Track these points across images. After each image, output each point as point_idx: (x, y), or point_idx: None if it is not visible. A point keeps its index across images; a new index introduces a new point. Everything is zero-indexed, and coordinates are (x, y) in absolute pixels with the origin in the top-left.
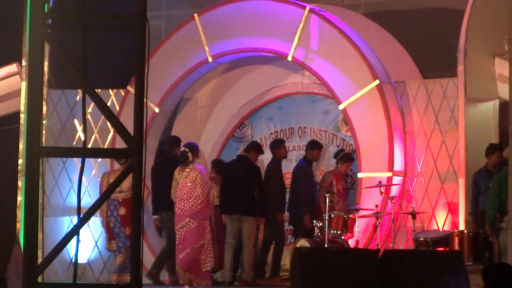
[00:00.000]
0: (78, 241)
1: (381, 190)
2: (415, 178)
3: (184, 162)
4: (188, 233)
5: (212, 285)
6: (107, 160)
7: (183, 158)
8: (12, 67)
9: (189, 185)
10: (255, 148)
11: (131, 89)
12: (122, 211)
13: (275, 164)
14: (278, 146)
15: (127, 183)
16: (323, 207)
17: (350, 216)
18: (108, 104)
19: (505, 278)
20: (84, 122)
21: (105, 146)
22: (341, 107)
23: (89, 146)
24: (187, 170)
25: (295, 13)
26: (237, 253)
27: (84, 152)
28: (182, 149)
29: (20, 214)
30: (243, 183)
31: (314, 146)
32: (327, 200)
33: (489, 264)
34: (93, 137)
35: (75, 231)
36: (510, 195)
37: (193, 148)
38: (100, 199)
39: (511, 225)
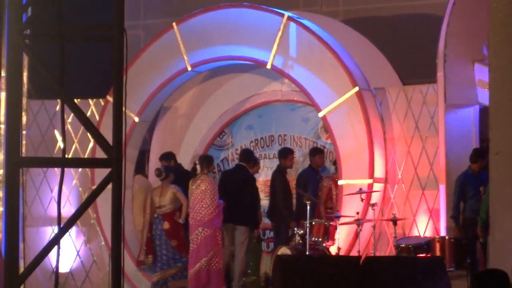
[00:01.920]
0: (59, 250)
1: (362, 197)
2: (396, 185)
3: (193, 174)
4: (202, 242)
5: None
6: (88, 170)
7: (193, 170)
8: None
9: (200, 196)
10: (254, 158)
11: (110, 98)
12: (166, 225)
13: (279, 173)
14: (284, 156)
15: (167, 198)
16: (323, 214)
17: (331, 223)
18: (88, 113)
19: (499, 285)
20: (63, 131)
21: (86, 156)
22: (320, 114)
23: (70, 156)
24: (198, 181)
25: (274, 21)
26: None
27: (63, 162)
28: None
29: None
30: (238, 192)
31: (315, 152)
32: (308, 206)
33: (482, 271)
34: (73, 147)
35: (55, 241)
36: (491, 201)
37: (203, 160)
38: (80, 209)
39: (492, 231)
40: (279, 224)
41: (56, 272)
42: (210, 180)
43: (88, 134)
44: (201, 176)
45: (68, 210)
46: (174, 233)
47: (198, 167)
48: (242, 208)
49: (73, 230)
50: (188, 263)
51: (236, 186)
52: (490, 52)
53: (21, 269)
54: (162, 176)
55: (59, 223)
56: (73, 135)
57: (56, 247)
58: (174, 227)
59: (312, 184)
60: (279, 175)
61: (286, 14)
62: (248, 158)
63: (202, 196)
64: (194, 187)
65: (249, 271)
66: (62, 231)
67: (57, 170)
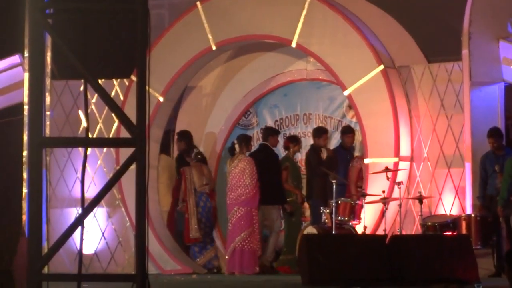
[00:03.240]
0: (82, 231)
1: (388, 175)
2: (422, 163)
3: (231, 153)
4: (237, 220)
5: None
6: (113, 151)
7: (231, 150)
8: (15, 58)
9: (238, 175)
10: (271, 133)
11: (135, 78)
12: (213, 203)
13: (314, 151)
14: (318, 135)
15: (208, 177)
16: (354, 193)
17: (357, 202)
18: (112, 94)
19: None
20: (86, 111)
21: (110, 136)
22: (346, 93)
23: (94, 136)
24: (235, 161)
25: None
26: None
27: (86, 142)
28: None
29: (26, 206)
30: (263, 172)
31: (343, 132)
32: (333, 185)
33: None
34: (97, 127)
35: (79, 222)
36: None
37: (241, 140)
38: (104, 190)
39: None
40: (314, 203)
41: (80, 253)
42: (248, 159)
43: (112, 114)
44: (239, 156)
45: (93, 191)
46: (215, 211)
47: (236, 146)
48: (268, 187)
49: (98, 211)
50: (226, 244)
51: (260, 165)
52: None
53: (45, 250)
54: (199, 157)
55: (82, 204)
56: (97, 115)
57: (80, 228)
58: (215, 205)
59: (342, 163)
60: (313, 154)
61: None
62: (265, 135)
63: (240, 176)
64: (232, 166)
65: (285, 249)
66: (86, 211)
67: (82, 151)
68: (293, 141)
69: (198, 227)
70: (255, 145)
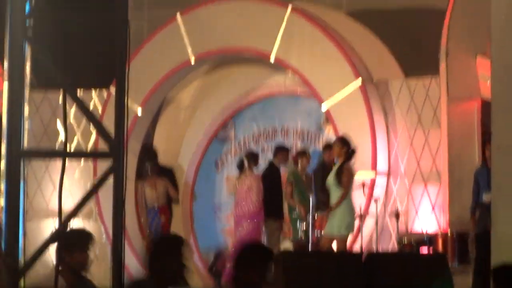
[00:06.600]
0: (59, 244)
1: (365, 191)
2: (398, 179)
3: (240, 169)
4: (245, 235)
5: None
6: (90, 162)
7: (240, 165)
8: None
9: (245, 194)
10: (279, 151)
11: (113, 90)
12: (163, 218)
13: (319, 167)
14: (323, 150)
15: (161, 191)
16: None
17: None
18: (91, 104)
19: None
20: (65, 123)
21: (88, 148)
22: (323, 107)
23: (72, 148)
24: (243, 177)
25: (278, 12)
26: None
27: (64, 153)
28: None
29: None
30: (265, 187)
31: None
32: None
33: (500, 265)
34: (75, 139)
35: (56, 235)
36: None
37: (250, 157)
38: (81, 202)
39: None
40: None
41: (56, 266)
42: (255, 176)
43: (90, 125)
44: (247, 172)
45: (69, 203)
46: (166, 227)
47: (245, 162)
48: (267, 202)
49: (75, 224)
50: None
51: (265, 182)
52: (492, 45)
53: (22, 264)
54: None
55: (60, 216)
56: (75, 127)
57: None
58: (166, 221)
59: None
60: (319, 169)
61: (290, 6)
62: (275, 152)
63: (248, 193)
64: (239, 183)
65: None
66: (63, 224)
67: (59, 163)
68: (301, 155)
69: None
70: (233, 159)
